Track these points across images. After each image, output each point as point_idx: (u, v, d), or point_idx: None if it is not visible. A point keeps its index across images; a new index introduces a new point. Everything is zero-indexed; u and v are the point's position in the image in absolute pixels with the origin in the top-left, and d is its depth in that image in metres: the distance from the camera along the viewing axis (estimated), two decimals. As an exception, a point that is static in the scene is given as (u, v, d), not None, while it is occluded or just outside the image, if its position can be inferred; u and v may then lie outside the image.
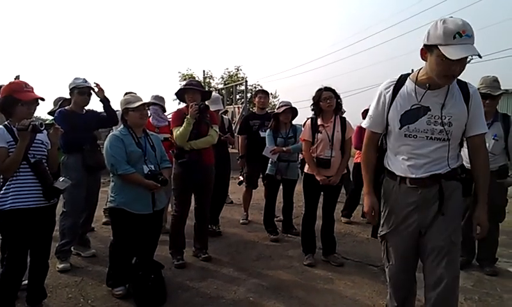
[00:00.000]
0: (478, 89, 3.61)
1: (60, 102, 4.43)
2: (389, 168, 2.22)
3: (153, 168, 3.17)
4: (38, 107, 2.78)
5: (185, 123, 3.73)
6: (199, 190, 3.95)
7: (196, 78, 27.54)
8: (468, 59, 1.91)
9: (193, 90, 3.93)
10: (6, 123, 2.65)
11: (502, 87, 3.68)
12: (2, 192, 2.58)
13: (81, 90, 3.85)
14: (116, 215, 3.17)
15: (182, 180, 3.87)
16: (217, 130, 4.07)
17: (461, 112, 2.03)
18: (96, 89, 3.93)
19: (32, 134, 2.61)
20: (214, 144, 4.02)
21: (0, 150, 2.53)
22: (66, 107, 3.98)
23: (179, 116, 3.91)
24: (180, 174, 3.86)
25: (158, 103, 4.81)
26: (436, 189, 2.08)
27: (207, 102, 5.04)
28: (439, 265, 2.05)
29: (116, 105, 4.04)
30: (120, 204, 3.10)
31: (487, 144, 3.15)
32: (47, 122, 2.69)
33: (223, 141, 4.94)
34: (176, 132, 3.79)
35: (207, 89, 26.18)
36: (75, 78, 3.88)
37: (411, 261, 2.25)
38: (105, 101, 3.97)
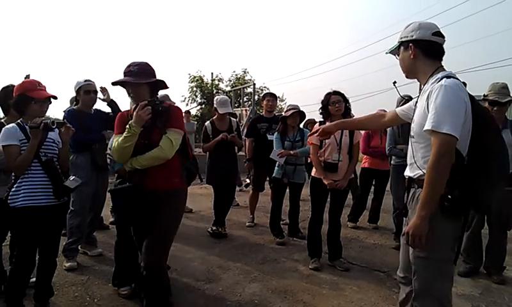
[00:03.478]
0: (486, 95, 3.64)
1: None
2: None
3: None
4: (50, 105, 2.81)
5: (125, 132, 2.40)
6: (143, 228, 2.57)
7: (202, 77, 26.41)
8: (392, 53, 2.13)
9: (131, 84, 2.49)
10: (18, 121, 2.69)
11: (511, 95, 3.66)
12: (13, 189, 2.62)
13: (87, 90, 3.91)
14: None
15: (117, 214, 2.77)
16: (179, 136, 2.49)
17: (420, 109, 1.97)
18: (102, 96, 4.00)
19: (44, 132, 2.65)
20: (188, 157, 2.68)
21: (12, 148, 2.56)
22: (74, 107, 4.03)
23: (122, 120, 2.56)
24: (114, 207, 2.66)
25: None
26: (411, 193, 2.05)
27: (215, 105, 5.09)
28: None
29: (125, 107, 4.06)
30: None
31: None
32: (58, 121, 2.71)
33: (230, 143, 4.96)
34: (114, 143, 2.51)
35: (215, 91, 25.18)
36: (79, 81, 3.94)
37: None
38: (112, 103, 4.06)
